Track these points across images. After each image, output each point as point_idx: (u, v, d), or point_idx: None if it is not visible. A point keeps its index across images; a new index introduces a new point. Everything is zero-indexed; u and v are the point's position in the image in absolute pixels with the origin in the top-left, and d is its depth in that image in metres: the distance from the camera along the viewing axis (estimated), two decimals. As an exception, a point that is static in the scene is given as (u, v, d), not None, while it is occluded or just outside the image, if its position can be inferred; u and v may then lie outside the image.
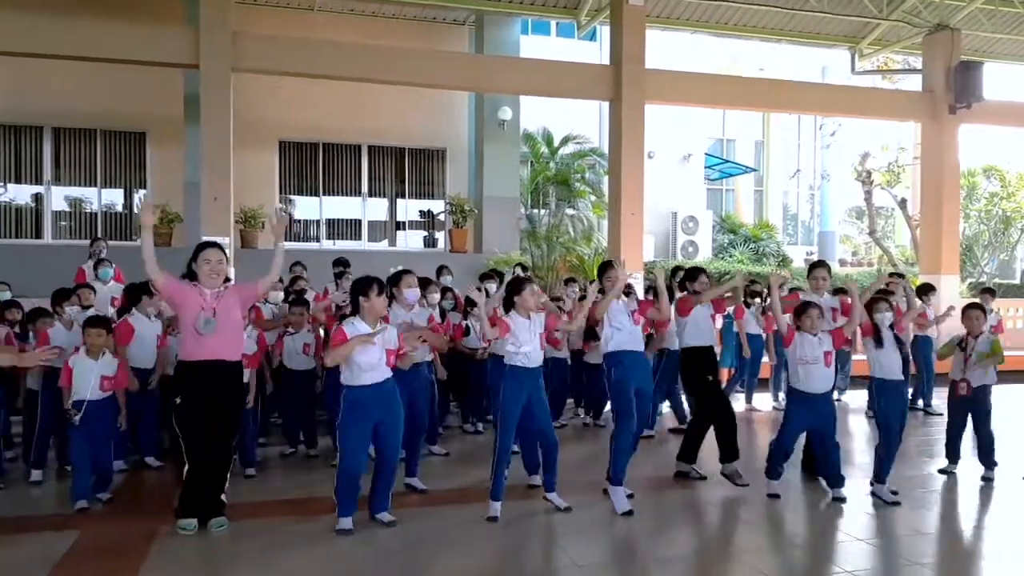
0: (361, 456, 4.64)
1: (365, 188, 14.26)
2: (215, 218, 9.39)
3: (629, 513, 4.98)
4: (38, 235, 12.73)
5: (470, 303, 7.44)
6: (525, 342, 4.86)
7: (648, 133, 11.65)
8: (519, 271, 8.88)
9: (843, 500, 5.33)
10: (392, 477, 4.81)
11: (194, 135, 10.80)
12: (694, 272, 5.99)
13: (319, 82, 12.77)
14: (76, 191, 13.01)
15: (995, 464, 5.95)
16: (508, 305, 5.07)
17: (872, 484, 5.49)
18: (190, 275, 4.52)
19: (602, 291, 5.29)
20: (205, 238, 9.32)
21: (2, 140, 12.51)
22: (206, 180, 9.51)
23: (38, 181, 12.71)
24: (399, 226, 14.83)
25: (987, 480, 5.90)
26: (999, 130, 16.00)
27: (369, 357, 4.53)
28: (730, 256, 17.60)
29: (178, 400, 4.49)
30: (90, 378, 5.00)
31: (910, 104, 13.32)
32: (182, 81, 11.86)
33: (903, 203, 17.72)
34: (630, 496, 5.14)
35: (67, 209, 13.11)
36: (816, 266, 6.55)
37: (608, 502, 5.14)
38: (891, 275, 8.11)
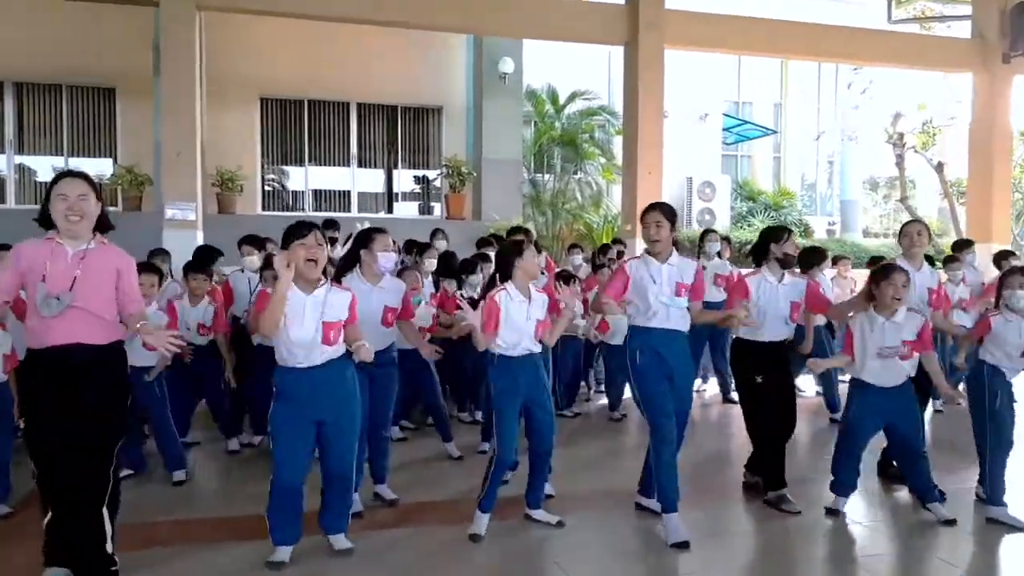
0: (301, 462, 3.52)
1: (354, 151, 13.07)
2: (178, 177, 8.20)
3: (683, 545, 3.86)
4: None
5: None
6: (515, 337, 3.83)
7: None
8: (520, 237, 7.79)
9: (952, 522, 4.26)
10: (347, 489, 3.72)
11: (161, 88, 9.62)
12: (777, 231, 4.65)
13: (302, 34, 11.62)
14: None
15: None
16: (504, 275, 3.95)
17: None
18: (44, 222, 3.15)
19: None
20: (168, 204, 8.25)
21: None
22: (167, 133, 8.32)
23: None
24: (393, 197, 13.65)
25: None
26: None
27: (299, 331, 3.41)
28: (749, 225, 16.40)
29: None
30: None
31: (958, 52, 12.00)
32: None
33: (940, 167, 16.42)
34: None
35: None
36: (910, 223, 5.04)
37: (621, 516, 4.05)
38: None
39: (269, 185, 12.86)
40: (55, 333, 3.06)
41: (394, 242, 4.41)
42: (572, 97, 13.75)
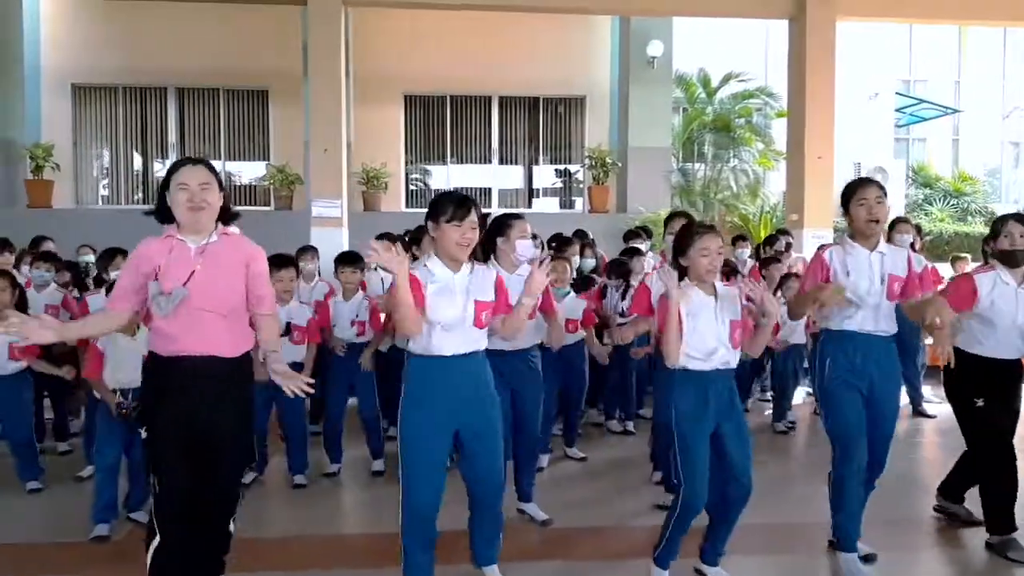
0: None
1: (495, 146, 12.82)
2: (325, 175, 8.19)
3: None
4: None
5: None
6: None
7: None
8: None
9: None
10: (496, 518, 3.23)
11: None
12: (994, 225, 3.77)
13: (444, 28, 11.53)
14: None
15: None
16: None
17: None
18: (162, 215, 2.80)
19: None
20: (314, 200, 8.27)
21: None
22: (314, 131, 8.34)
23: (163, 148, 12.18)
24: (534, 193, 13.31)
25: None
26: None
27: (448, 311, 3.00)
28: (925, 214, 14.85)
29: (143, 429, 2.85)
30: None
31: None
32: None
33: None
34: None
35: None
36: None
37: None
38: None
39: (413, 184, 12.87)
40: (181, 341, 2.74)
41: (535, 236, 4.00)
42: (726, 79, 12.86)
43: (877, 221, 3.30)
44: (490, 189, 13.07)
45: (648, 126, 11.94)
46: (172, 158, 11.98)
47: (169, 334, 2.75)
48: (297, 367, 4.30)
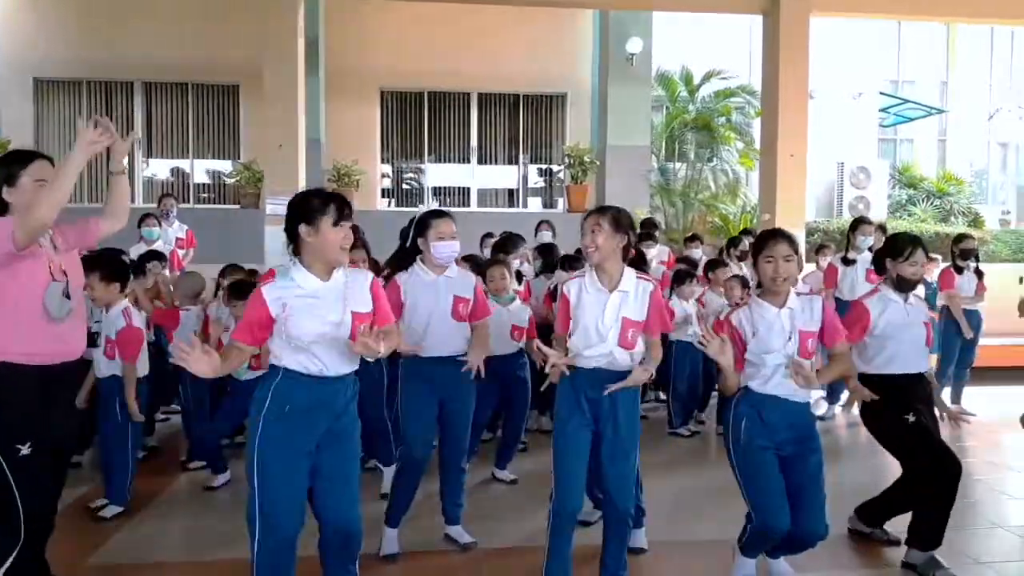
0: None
1: (474, 144, 12.64)
2: (282, 170, 8.01)
3: None
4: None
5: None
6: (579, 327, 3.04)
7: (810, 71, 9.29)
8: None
9: None
10: None
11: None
12: (898, 242, 3.74)
13: (423, 22, 11.38)
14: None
15: None
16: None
17: None
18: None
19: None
20: (269, 198, 8.09)
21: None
22: (272, 126, 8.16)
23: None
24: (514, 191, 13.15)
25: None
26: None
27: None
28: (909, 214, 14.72)
29: None
30: None
31: None
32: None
33: None
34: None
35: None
36: None
37: None
38: None
39: (391, 181, 12.71)
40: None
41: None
42: (707, 77, 12.70)
43: (785, 279, 3.10)
44: (469, 189, 12.91)
45: (627, 124, 11.78)
46: (139, 155, 11.79)
47: (60, 334, 2.69)
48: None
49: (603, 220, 3.06)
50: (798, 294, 3.21)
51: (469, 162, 12.75)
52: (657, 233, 8.03)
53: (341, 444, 2.73)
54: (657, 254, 7.50)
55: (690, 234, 8.52)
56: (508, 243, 6.08)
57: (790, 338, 3.10)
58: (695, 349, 5.88)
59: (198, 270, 5.83)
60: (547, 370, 3.18)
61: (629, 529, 3.17)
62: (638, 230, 7.48)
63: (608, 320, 3.04)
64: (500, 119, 12.71)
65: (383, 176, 12.80)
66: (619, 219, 3.09)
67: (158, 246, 6.92)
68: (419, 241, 3.59)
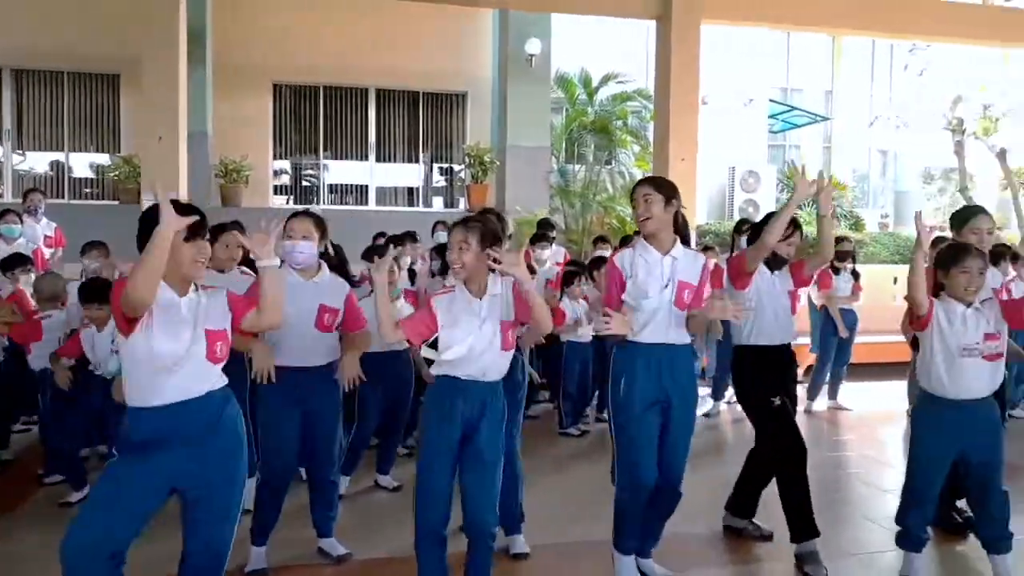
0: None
1: (373, 140, 12.39)
2: (160, 165, 7.56)
3: None
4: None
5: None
6: (459, 340, 2.92)
7: (701, 77, 9.51)
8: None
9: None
10: None
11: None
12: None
13: (318, 15, 11.08)
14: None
15: None
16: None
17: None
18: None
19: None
20: (145, 193, 7.64)
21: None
22: (150, 118, 7.72)
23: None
24: (414, 190, 12.96)
25: None
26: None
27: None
28: (795, 217, 15.36)
29: None
30: None
31: (1021, 23, 10.84)
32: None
33: (1002, 154, 15.16)
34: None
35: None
36: (974, 213, 3.96)
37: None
38: None
39: (289, 177, 12.31)
40: None
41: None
42: (605, 80, 12.86)
43: (649, 218, 3.19)
44: (367, 187, 12.64)
45: (527, 125, 11.80)
46: (6, 147, 10.98)
47: None
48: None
49: (652, 191, 3.18)
50: (686, 249, 3.31)
51: (367, 159, 12.49)
52: (553, 234, 8.03)
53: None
54: (552, 255, 7.49)
55: (599, 235, 8.54)
56: (400, 241, 5.96)
57: (667, 285, 3.14)
58: (585, 349, 6.06)
59: (70, 269, 5.43)
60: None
61: (491, 546, 3.03)
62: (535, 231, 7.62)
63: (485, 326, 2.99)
64: (399, 116, 12.51)
65: (281, 172, 12.39)
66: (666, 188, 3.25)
67: (20, 245, 6.41)
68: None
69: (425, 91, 12.45)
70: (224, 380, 2.61)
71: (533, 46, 11.47)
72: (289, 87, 12.02)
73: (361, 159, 12.50)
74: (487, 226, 2.97)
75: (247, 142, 11.18)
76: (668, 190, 3.25)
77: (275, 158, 12.19)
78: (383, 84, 12.25)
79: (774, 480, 3.80)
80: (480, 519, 2.92)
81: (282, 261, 3.27)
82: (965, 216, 3.94)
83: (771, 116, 16.85)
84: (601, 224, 12.11)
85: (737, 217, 13.91)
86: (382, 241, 6.53)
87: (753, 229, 4.04)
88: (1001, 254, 5.64)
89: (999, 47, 14.62)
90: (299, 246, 3.37)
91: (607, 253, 7.54)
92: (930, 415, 3.42)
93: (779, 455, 3.71)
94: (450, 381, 2.94)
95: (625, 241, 7.22)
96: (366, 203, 12.52)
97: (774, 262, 3.77)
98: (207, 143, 10.69)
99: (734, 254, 4.15)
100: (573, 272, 6.29)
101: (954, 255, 3.33)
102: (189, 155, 8.36)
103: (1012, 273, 5.98)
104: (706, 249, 7.45)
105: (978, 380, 3.30)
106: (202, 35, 10.53)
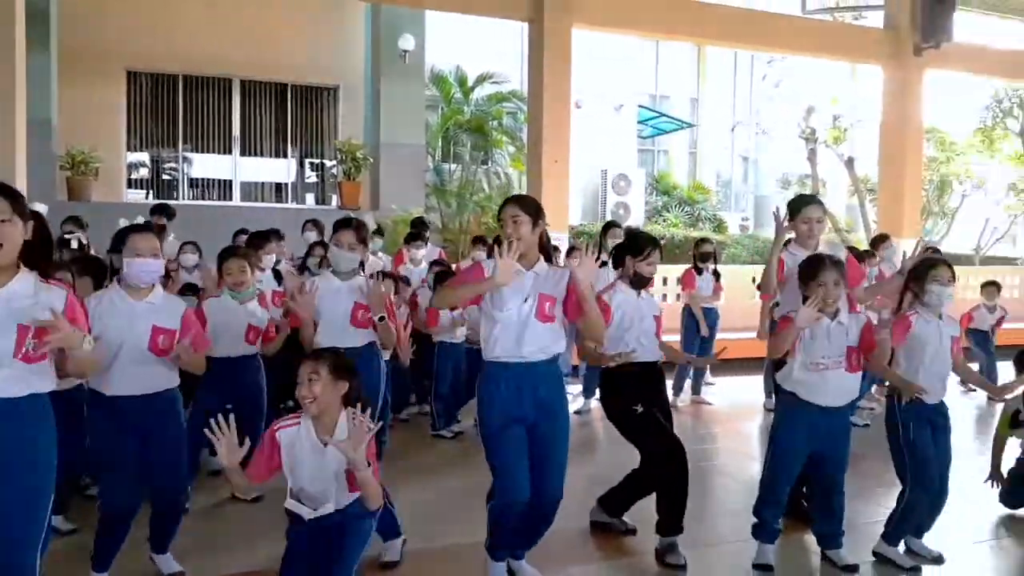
0: None
1: (237, 133, 11.84)
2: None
3: None
4: None
5: None
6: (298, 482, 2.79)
7: (575, 81, 9.65)
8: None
9: (853, 569, 3.58)
10: None
11: None
12: (639, 241, 3.94)
13: (176, 1, 10.41)
14: None
15: None
16: None
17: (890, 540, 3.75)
18: None
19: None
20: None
21: None
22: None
23: None
24: (282, 186, 12.49)
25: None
26: (940, 87, 14.68)
27: None
28: (664, 220, 15.94)
29: None
30: None
31: (869, 42, 11.68)
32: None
33: (850, 162, 16.32)
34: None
35: None
36: (806, 203, 4.17)
37: None
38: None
39: (137, 171, 11.54)
40: None
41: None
42: (481, 79, 12.88)
43: (519, 239, 3.10)
44: (231, 182, 12.06)
45: (401, 122, 11.63)
46: None
47: None
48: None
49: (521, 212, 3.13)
50: (550, 267, 3.27)
51: (231, 153, 11.92)
52: (427, 233, 7.92)
53: None
54: (427, 254, 7.40)
55: (476, 236, 8.46)
56: (260, 239, 5.67)
57: (527, 299, 3.11)
58: (457, 349, 5.99)
59: None
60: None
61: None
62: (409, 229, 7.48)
63: None
64: (266, 109, 12.01)
65: (138, 165, 11.62)
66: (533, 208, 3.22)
67: None
68: (114, 258, 3.18)
69: (294, 84, 12.03)
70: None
71: (407, 42, 11.30)
72: (145, 75, 11.31)
73: (225, 153, 11.91)
74: (339, 360, 2.80)
75: (98, 132, 10.43)
76: (535, 211, 3.21)
77: (130, 150, 11.43)
78: (249, 75, 11.73)
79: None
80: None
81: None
82: (797, 206, 4.13)
83: (640, 121, 17.41)
84: (478, 224, 12.10)
85: (609, 219, 14.29)
86: (243, 239, 6.22)
87: (618, 251, 4.03)
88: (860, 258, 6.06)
89: (849, 62, 15.71)
90: (150, 264, 3.13)
91: (482, 255, 7.51)
92: (789, 416, 3.58)
93: (659, 459, 3.76)
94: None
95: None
96: (230, 199, 11.95)
97: (637, 282, 3.84)
98: (51, 132, 9.87)
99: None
100: (446, 272, 6.21)
101: (810, 269, 3.48)
102: (29, 144, 7.65)
103: (875, 270, 6.46)
104: (571, 251, 7.56)
105: (837, 390, 3.48)
106: (45, 16, 9.72)
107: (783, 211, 4.12)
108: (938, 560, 3.71)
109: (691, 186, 18.38)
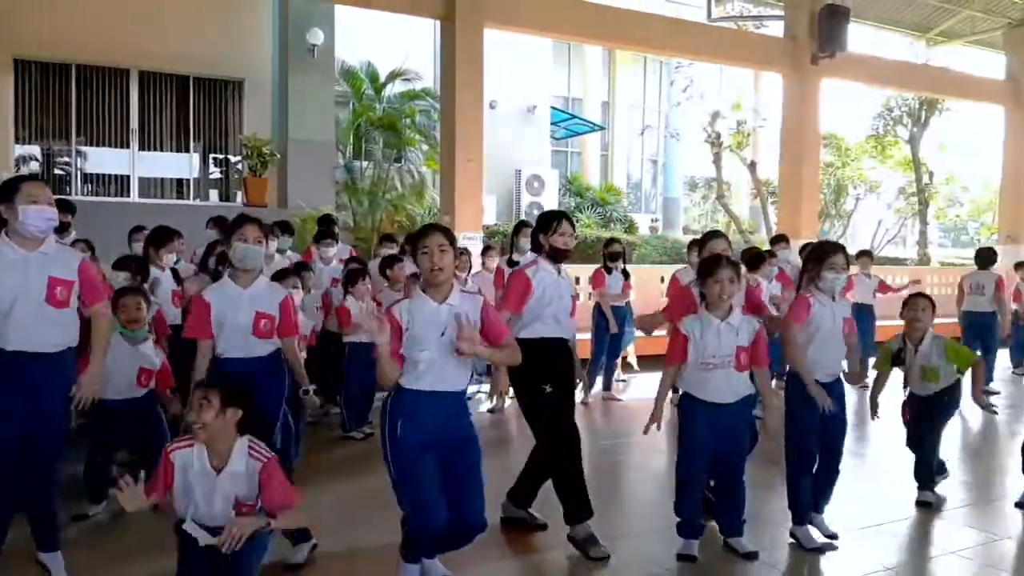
0: None
1: (135, 125, 11.30)
2: None
3: None
4: None
5: None
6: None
7: (489, 81, 9.68)
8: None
9: (753, 556, 3.72)
10: None
11: None
12: (546, 217, 3.95)
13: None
14: None
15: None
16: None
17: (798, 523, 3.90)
18: None
19: None
20: None
21: None
22: None
23: None
24: (184, 182, 12.00)
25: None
26: (836, 96, 15.46)
27: None
28: (577, 221, 16.14)
29: None
30: None
31: (770, 50, 12.19)
32: None
33: (752, 166, 16.95)
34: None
35: None
36: (710, 238, 4.54)
37: None
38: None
39: (26, 164, 10.86)
40: None
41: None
42: (393, 76, 12.73)
43: (441, 269, 3.05)
44: (128, 177, 11.51)
45: (310, 118, 11.34)
46: None
47: None
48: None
49: (446, 242, 3.05)
50: (462, 291, 3.18)
51: (129, 147, 11.37)
52: (337, 230, 7.76)
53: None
54: (338, 252, 7.26)
55: (385, 233, 8.35)
56: (160, 237, 5.42)
57: (443, 333, 3.04)
58: (368, 349, 5.88)
59: None
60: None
61: None
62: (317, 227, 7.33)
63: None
64: (167, 101, 11.51)
65: (28, 159, 10.93)
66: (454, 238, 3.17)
67: None
68: (2, 209, 2.98)
69: (197, 76, 11.56)
70: None
71: (316, 36, 11.05)
72: (35, 63, 10.64)
73: (122, 146, 11.35)
74: (232, 388, 2.81)
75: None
76: (453, 239, 3.15)
77: (19, 142, 10.74)
78: (148, 66, 11.20)
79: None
80: None
81: None
82: (704, 240, 4.56)
83: (554, 123, 17.61)
84: (391, 222, 11.95)
85: (523, 219, 14.38)
86: (140, 236, 5.94)
87: (532, 235, 4.03)
88: (761, 257, 6.32)
89: (751, 69, 16.33)
90: (48, 212, 3.02)
91: (394, 251, 7.42)
92: (689, 415, 3.71)
93: (555, 440, 3.79)
94: None
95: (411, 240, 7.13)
96: (128, 195, 11.40)
97: (555, 256, 3.83)
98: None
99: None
100: (357, 271, 6.12)
101: (707, 267, 3.62)
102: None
103: (775, 268, 6.71)
104: (486, 250, 7.58)
105: (727, 388, 3.60)
106: (-82, -5, 9.04)
107: (705, 222, 4.36)
108: (832, 537, 3.86)
109: (603, 187, 18.72)
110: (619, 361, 7.77)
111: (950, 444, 5.49)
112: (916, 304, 4.45)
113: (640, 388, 7.93)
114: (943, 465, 4.71)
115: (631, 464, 5.57)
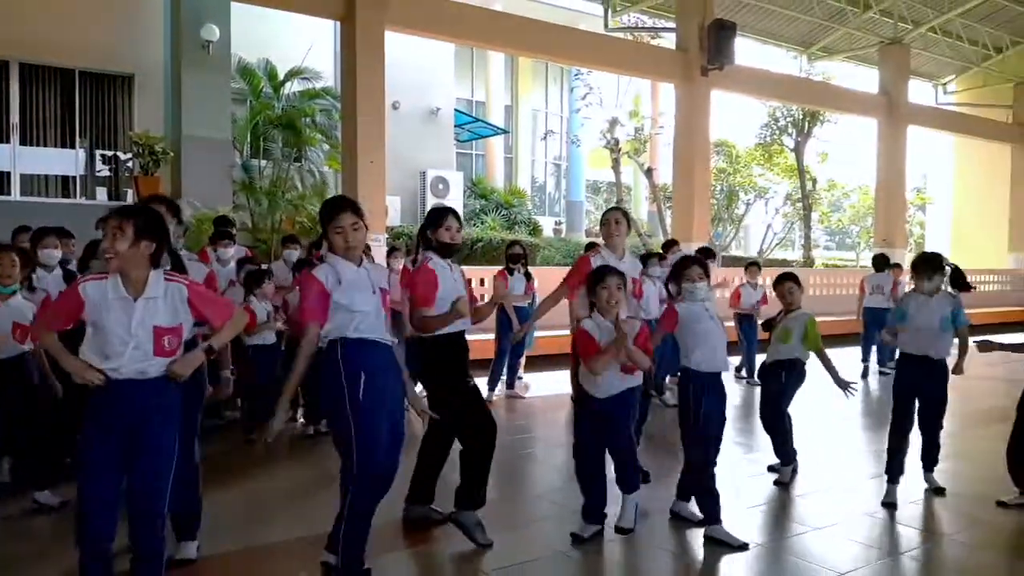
0: None
1: (16, 120, 10.70)
2: None
3: None
4: None
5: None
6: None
7: (392, 83, 9.66)
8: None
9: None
10: None
11: None
12: (432, 213, 4.00)
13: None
14: None
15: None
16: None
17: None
18: None
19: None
20: None
21: None
22: None
23: None
24: (71, 180, 11.44)
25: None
26: (727, 105, 16.28)
27: None
28: (482, 223, 16.31)
29: None
30: None
31: (663, 62, 12.69)
32: None
33: (649, 172, 17.54)
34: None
35: None
36: (609, 210, 4.82)
37: None
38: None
39: None
40: None
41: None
42: (291, 75, 12.51)
43: (355, 247, 3.17)
44: (9, 173, 10.88)
45: (205, 115, 10.98)
46: None
47: None
48: None
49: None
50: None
51: (9, 142, 10.75)
52: (234, 231, 7.58)
53: None
54: (235, 254, 7.10)
55: (288, 235, 8.22)
56: (40, 235, 5.20)
57: (374, 292, 3.21)
58: (272, 350, 5.82)
59: None
60: None
61: (159, 569, 2.78)
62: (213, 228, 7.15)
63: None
64: (50, 95, 10.95)
65: None
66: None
67: None
68: None
69: (82, 69, 11.05)
70: None
71: (210, 32, 10.73)
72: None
73: (2, 141, 10.73)
74: (148, 219, 2.71)
75: None
76: (363, 216, 3.27)
77: None
78: (29, 58, 10.64)
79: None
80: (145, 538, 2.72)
81: None
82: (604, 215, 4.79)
83: (458, 125, 17.70)
84: (291, 223, 11.74)
85: (426, 220, 14.37)
86: (25, 237, 5.66)
87: (419, 233, 4.09)
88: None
89: (645, 79, 16.91)
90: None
91: (295, 254, 7.33)
92: (581, 409, 3.97)
93: (479, 432, 3.85)
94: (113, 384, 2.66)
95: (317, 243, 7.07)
96: (9, 193, 10.78)
97: (443, 250, 3.89)
98: None
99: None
100: (261, 271, 6.04)
101: (597, 275, 3.84)
102: None
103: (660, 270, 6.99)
104: (391, 251, 7.60)
105: (608, 385, 3.82)
106: None
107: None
108: (701, 523, 4.08)
109: (508, 190, 18.94)
110: (522, 360, 7.93)
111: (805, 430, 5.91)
112: (783, 285, 4.94)
113: (542, 386, 8.12)
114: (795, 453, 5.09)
115: (532, 458, 5.72)
